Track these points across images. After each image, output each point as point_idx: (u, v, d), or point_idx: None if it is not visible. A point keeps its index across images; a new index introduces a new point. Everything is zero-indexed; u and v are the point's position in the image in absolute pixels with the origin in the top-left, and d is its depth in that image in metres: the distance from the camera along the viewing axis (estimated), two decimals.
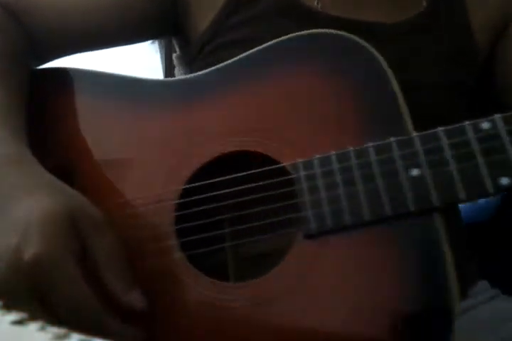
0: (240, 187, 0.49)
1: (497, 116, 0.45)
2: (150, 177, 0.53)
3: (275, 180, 0.48)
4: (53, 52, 0.65)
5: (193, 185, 0.51)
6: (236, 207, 0.49)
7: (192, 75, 0.56)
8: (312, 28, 0.53)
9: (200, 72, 0.56)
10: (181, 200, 0.50)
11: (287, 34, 0.53)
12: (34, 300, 0.41)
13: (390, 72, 0.49)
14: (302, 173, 0.47)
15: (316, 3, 0.62)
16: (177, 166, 0.52)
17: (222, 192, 0.49)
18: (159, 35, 0.73)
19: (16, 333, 0.24)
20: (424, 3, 0.63)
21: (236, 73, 0.54)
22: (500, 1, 0.64)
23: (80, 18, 0.63)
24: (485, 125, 0.45)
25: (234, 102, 0.53)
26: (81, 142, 0.56)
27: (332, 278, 0.45)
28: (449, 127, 0.45)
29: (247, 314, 0.45)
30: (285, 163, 0.49)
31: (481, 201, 0.75)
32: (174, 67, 0.73)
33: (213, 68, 0.55)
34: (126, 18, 0.64)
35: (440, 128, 0.45)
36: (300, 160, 0.48)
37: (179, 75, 0.74)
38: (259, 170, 0.49)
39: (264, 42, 0.54)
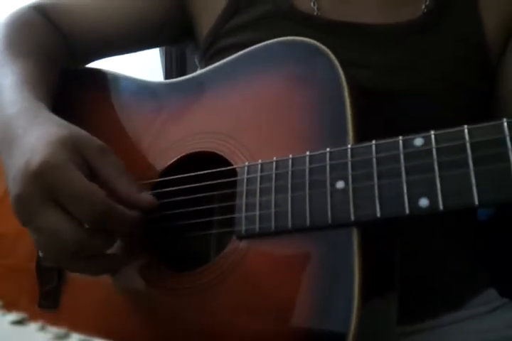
0: (186, 186, 0.52)
1: (432, 132, 0.42)
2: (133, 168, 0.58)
3: (217, 181, 0.50)
4: (88, 55, 0.72)
5: (159, 179, 0.55)
6: (188, 203, 0.53)
7: (177, 79, 0.60)
8: (308, 33, 0.53)
9: (183, 77, 0.59)
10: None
11: None
12: (49, 201, 0.44)
13: (343, 79, 0.47)
14: (245, 176, 0.49)
15: (313, 7, 0.61)
16: (151, 165, 0.56)
17: (172, 188, 0.53)
18: (176, 40, 0.76)
19: (16, 333, 0.25)
20: (427, 5, 0.60)
21: (210, 80, 0.57)
22: None
23: (108, 25, 0.69)
24: (417, 141, 0.42)
25: (204, 106, 0.56)
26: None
27: (248, 280, 0.46)
28: (382, 140, 0.43)
29: (170, 303, 0.49)
30: (235, 166, 0.50)
31: None
32: (174, 66, 0.78)
33: (193, 74, 0.58)
34: (147, 25, 0.69)
35: (373, 142, 0.44)
36: (247, 163, 0.49)
37: None
38: (207, 171, 0.51)
39: None
